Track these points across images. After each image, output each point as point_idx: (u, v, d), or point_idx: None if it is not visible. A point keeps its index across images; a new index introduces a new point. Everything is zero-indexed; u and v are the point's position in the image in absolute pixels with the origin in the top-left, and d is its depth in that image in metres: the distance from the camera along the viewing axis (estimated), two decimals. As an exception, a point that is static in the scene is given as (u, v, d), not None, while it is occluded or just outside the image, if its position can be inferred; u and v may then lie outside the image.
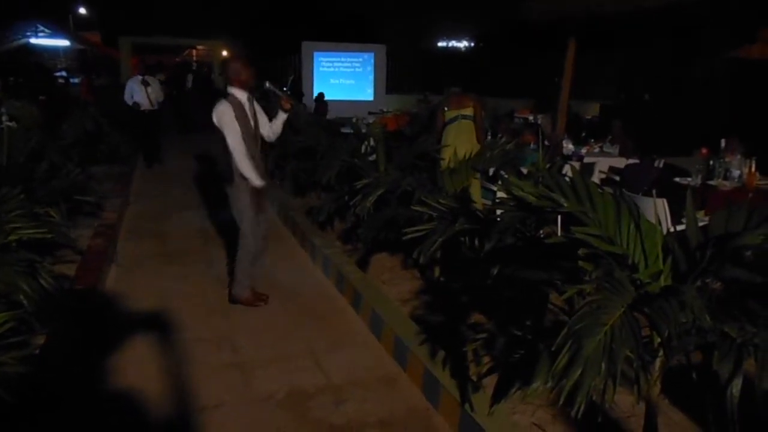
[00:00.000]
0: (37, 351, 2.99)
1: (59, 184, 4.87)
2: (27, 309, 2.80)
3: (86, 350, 3.38)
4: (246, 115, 3.83)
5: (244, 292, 4.10)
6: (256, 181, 3.82)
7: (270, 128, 4.06)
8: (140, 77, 8.88)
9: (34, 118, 7.41)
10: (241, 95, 3.83)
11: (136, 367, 3.23)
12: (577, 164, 6.47)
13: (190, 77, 17.42)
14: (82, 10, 30.06)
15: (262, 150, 4.02)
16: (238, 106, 3.78)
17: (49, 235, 3.59)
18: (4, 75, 15.89)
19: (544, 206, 2.14)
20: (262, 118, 4.02)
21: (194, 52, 32.58)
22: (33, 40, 22.57)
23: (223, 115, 3.74)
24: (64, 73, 22.73)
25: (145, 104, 8.81)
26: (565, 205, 2.07)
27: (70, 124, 7.79)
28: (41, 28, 22.82)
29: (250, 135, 3.85)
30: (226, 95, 3.84)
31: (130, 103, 8.76)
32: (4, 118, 6.86)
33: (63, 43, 25.41)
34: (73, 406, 2.87)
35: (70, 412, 2.81)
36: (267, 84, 4.13)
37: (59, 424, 2.73)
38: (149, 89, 8.83)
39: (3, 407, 2.11)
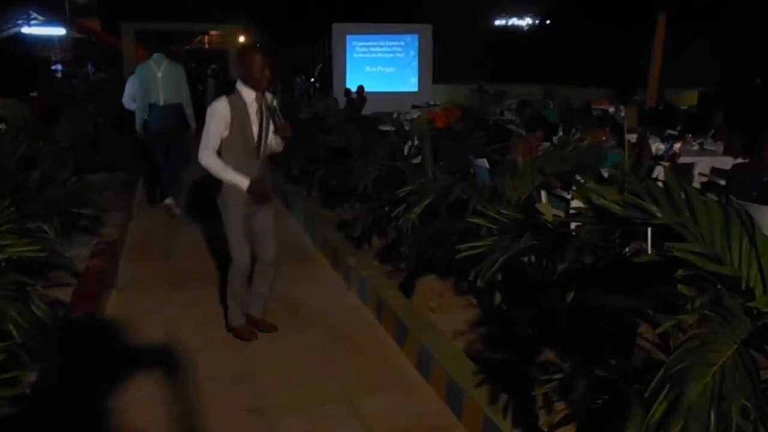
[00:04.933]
0: (29, 390, 3.08)
1: (53, 195, 5.04)
2: (16, 340, 2.89)
3: (83, 389, 3.46)
4: (246, 119, 3.82)
5: (235, 320, 4.16)
6: (241, 181, 3.77)
7: (271, 143, 4.03)
8: None
9: (25, 118, 7.72)
10: (248, 95, 3.82)
11: (140, 411, 3.28)
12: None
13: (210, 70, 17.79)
14: (80, -6, 31.27)
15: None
16: (238, 108, 3.79)
17: (42, 254, 3.71)
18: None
19: (632, 217, 2.10)
20: (270, 128, 3.99)
21: (206, 38, 33.42)
22: (25, 29, 23.55)
23: (211, 112, 3.77)
24: (59, 67, 23.63)
25: None
26: (659, 215, 2.03)
27: (66, 126, 8.06)
28: (34, 15, 23.81)
29: (247, 143, 3.84)
30: (231, 92, 3.87)
31: (130, 107, 7.57)
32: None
33: (58, 31, 26.45)
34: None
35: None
36: (270, 98, 4.04)
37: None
38: None
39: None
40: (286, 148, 4.14)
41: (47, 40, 26.96)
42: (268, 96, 3.95)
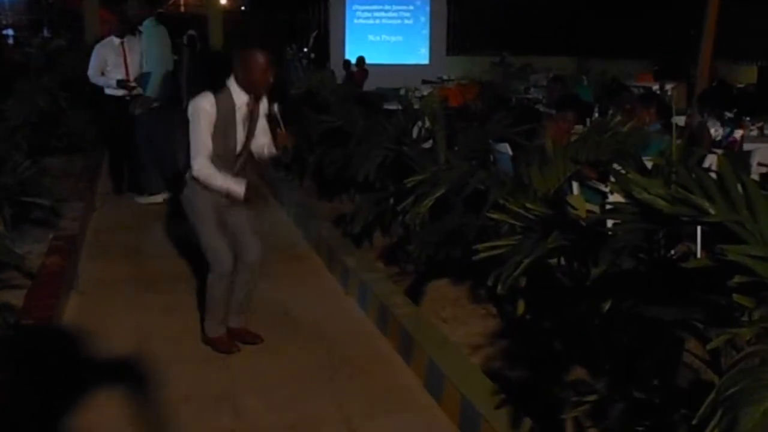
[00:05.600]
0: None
1: (3, 182, 5.05)
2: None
3: (38, 407, 3.48)
4: (232, 124, 3.84)
5: (214, 329, 4.17)
6: (238, 188, 3.82)
7: (261, 146, 4.09)
8: (117, 40, 7.37)
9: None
10: (239, 97, 3.84)
11: (104, 433, 3.30)
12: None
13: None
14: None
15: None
16: (226, 110, 3.80)
17: (-10, 251, 3.72)
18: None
19: (680, 214, 2.10)
20: (260, 128, 4.04)
21: (182, 0, 33.46)
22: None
23: (195, 113, 3.77)
24: (10, 32, 23.65)
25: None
26: (712, 212, 2.03)
27: (18, 101, 8.06)
28: (-20, -28, 23.87)
29: (228, 150, 3.88)
30: (219, 87, 3.85)
31: (98, 81, 7.42)
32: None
33: (9, -10, 26.45)
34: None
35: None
36: (275, 107, 4.06)
37: None
38: (131, 60, 7.35)
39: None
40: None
41: (-4, 1, 26.98)
42: (264, 103, 4.00)
